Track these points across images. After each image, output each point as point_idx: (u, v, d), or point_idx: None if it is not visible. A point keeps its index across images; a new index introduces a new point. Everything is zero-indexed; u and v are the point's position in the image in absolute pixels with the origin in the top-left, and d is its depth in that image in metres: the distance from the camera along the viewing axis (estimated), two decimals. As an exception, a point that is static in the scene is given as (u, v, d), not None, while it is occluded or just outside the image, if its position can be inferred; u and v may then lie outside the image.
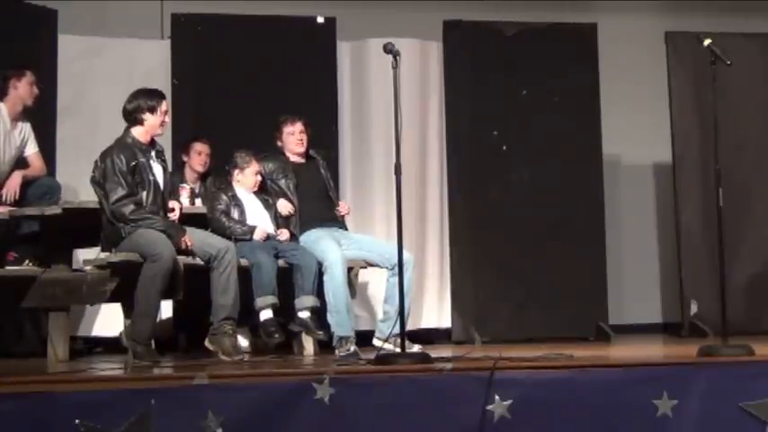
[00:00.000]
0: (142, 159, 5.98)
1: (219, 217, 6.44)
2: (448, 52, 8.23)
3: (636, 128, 8.82)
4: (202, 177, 7.41)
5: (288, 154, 6.74)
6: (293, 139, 6.71)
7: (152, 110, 6.04)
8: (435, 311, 8.12)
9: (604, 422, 4.63)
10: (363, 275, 7.09)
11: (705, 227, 7.93)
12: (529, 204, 8.05)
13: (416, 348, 5.98)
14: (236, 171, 6.62)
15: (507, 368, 4.72)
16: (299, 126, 6.72)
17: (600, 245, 8.18)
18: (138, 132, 6.06)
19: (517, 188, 8.09)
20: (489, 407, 4.56)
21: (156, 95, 6.11)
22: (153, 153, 6.11)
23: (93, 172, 6.00)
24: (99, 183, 5.96)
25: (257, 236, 6.37)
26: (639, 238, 9.02)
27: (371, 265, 6.61)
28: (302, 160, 6.78)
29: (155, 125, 6.08)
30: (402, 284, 5.34)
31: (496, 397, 4.57)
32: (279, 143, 6.74)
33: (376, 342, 6.28)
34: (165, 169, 6.19)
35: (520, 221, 8.03)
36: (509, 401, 4.58)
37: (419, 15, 8.51)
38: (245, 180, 6.62)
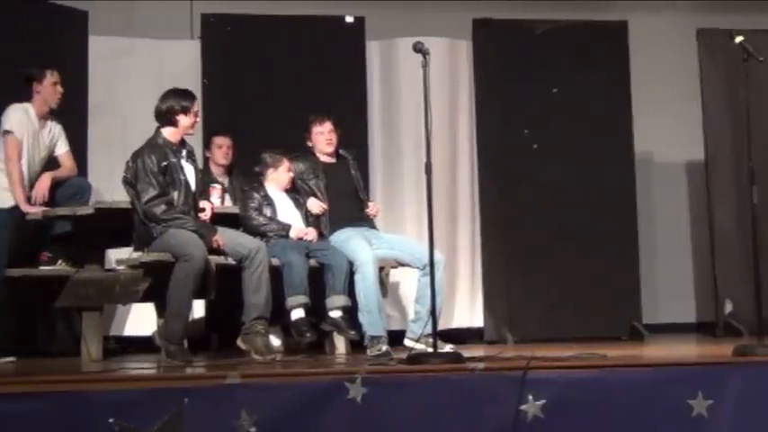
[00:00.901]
0: (173, 159, 6.01)
1: (252, 215, 6.46)
2: (477, 51, 8.22)
3: (668, 126, 8.77)
4: (228, 171, 7.44)
5: (318, 154, 6.74)
6: (322, 138, 6.71)
7: (185, 111, 6.07)
8: (467, 311, 8.10)
9: (639, 422, 4.61)
10: (394, 275, 7.09)
11: (739, 225, 7.86)
12: (560, 203, 8.02)
13: (449, 348, 5.97)
14: (270, 170, 6.63)
15: (540, 368, 4.72)
16: (327, 126, 6.72)
17: (632, 244, 8.15)
18: (170, 133, 6.09)
19: (548, 187, 8.05)
20: (522, 407, 4.56)
21: (189, 96, 6.14)
22: (184, 153, 6.13)
23: (125, 172, 6.04)
24: (131, 183, 5.99)
25: (293, 234, 6.38)
26: (673, 237, 8.96)
27: (402, 265, 6.61)
28: (332, 160, 6.78)
29: (187, 126, 6.11)
30: (433, 284, 5.34)
31: (530, 397, 4.57)
32: (309, 143, 6.75)
33: (407, 342, 6.27)
34: (195, 169, 6.22)
35: (551, 220, 7.99)
36: (542, 401, 4.57)
37: (448, 14, 8.49)
38: (278, 177, 6.63)
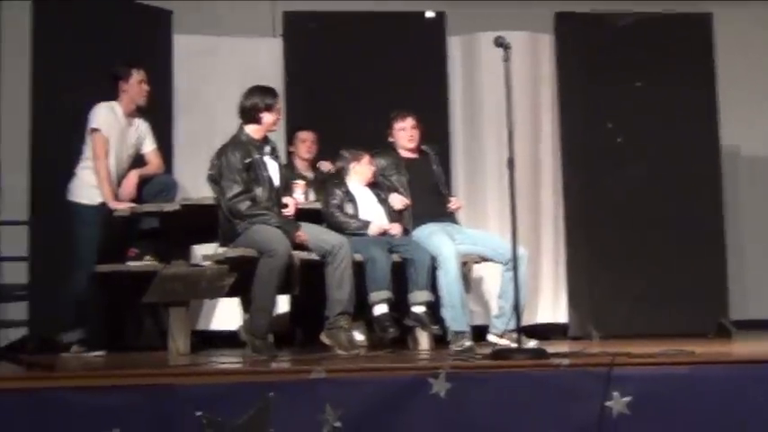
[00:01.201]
0: (257, 156, 6.06)
1: (334, 212, 6.48)
2: (560, 45, 8.16)
3: (755, 119, 8.65)
4: (312, 165, 7.49)
5: (399, 150, 6.75)
6: (404, 134, 6.72)
7: (269, 108, 6.13)
8: (551, 307, 8.05)
9: (728, 420, 4.52)
10: (477, 270, 7.08)
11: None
12: (645, 198, 7.91)
13: (533, 344, 5.95)
14: (353, 164, 6.65)
15: (626, 364, 4.65)
16: (409, 121, 6.73)
17: (719, 239, 8.00)
18: (253, 129, 6.15)
19: (632, 181, 7.94)
20: (608, 403, 4.51)
21: (272, 93, 6.19)
22: (267, 149, 6.18)
23: (210, 169, 6.11)
24: (215, 180, 6.06)
25: (372, 231, 6.40)
26: (762, 231, 8.82)
27: (485, 260, 6.59)
28: (414, 156, 6.78)
29: (270, 123, 6.16)
30: (517, 279, 5.32)
31: (615, 393, 4.51)
32: (390, 139, 6.76)
33: (491, 338, 6.25)
34: (278, 165, 6.27)
35: (636, 215, 7.89)
36: (628, 398, 4.51)
37: (530, 8, 8.44)
38: (362, 170, 6.63)
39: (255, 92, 6.18)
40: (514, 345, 5.22)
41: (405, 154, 6.75)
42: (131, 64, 6.72)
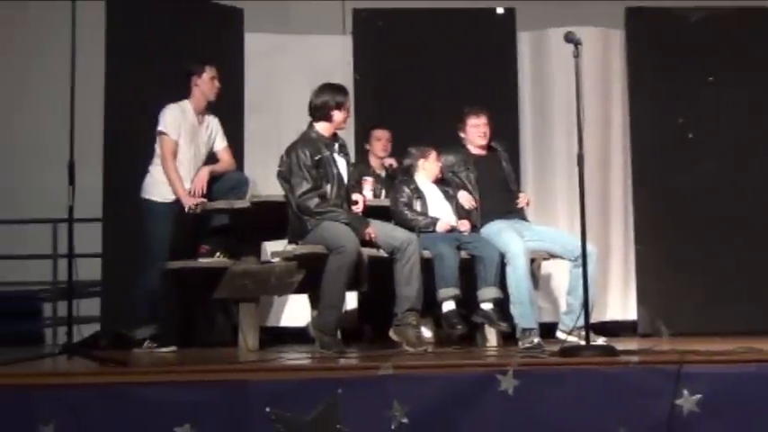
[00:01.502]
0: (326, 153, 6.09)
1: (402, 209, 6.49)
2: (631, 40, 8.10)
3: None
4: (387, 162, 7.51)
5: (469, 146, 6.74)
6: (477, 131, 6.70)
7: (339, 106, 6.15)
8: (620, 304, 8.00)
9: (798, 418, 4.47)
10: (546, 267, 7.05)
11: None
12: (717, 193, 7.82)
13: (601, 341, 5.91)
14: (421, 160, 6.66)
15: (696, 362, 4.60)
16: (483, 119, 6.71)
17: (791, 236, 7.90)
18: (323, 127, 6.17)
19: (704, 178, 7.86)
20: (678, 401, 4.46)
21: (343, 92, 6.21)
22: (336, 146, 6.20)
23: (280, 166, 6.15)
24: (285, 177, 6.10)
25: (440, 227, 6.40)
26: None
27: (554, 257, 6.56)
28: (483, 152, 6.77)
29: (340, 121, 6.19)
30: (586, 276, 5.29)
31: (685, 391, 4.47)
32: (461, 134, 6.75)
33: (560, 334, 6.21)
34: (347, 162, 6.28)
35: (707, 212, 7.81)
36: (698, 396, 4.47)
37: (600, 3, 8.37)
38: (429, 167, 6.65)
39: (326, 90, 6.21)
40: (583, 342, 5.18)
41: (474, 151, 6.74)
42: (204, 61, 6.79)
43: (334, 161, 6.13)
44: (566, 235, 6.61)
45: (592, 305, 5.76)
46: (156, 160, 6.67)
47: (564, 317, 6.32)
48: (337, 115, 6.17)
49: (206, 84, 6.74)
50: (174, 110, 6.67)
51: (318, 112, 6.16)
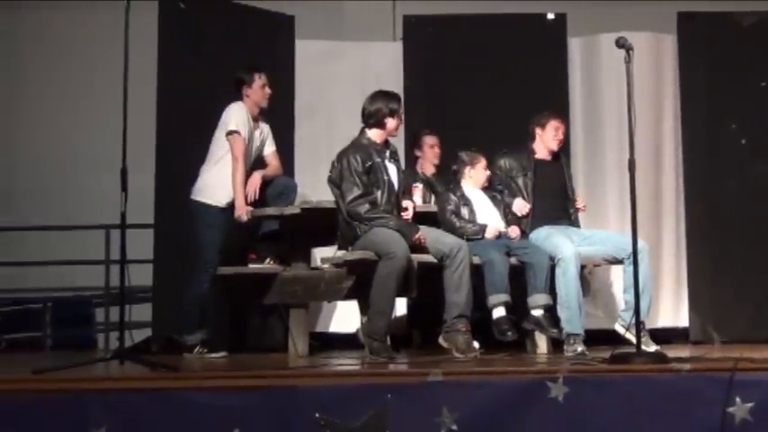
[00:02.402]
0: (377, 159, 6.09)
1: (450, 218, 6.49)
2: (683, 45, 8.01)
3: None
4: (436, 170, 7.49)
5: (539, 148, 6.72)
6: (556, 134, 6.72)
7: (393, 113, 6.16)
8: (672, 310, 7.91)
9: None
10: (598, 274, 7.00)
11: None
12: (768, 199, 7.75)
13: (653, 348, 5.87)
14: (468, 168, 6.66)
15: (749, 369, 4.56)
16: (563, 124, 6.78)
17: None
18: (375, 134, 6.18)
19: (757, 183, 7.76)
20: (730, 409, 4.42)
21: (396, 99, 6.22)
22: (387, 153, 6.21)
23: (330, 172, 6.16)
24: (335, 183, 6.10)
25: (489, 234, 6.38)
26: None
27: (607, 263, 6.52)
28: (549, 158, 6.76)
29: (392, 128, 6.20)
30: (637, 274, 5.25)
31: (737, 399, 4.43)
32: (539, 132, 6.74)
33: (618, 328, 6.14)
34: (398, 169, 6.28)
35: (760, 218, 7.71)
36: (750, 404, 4.42)
37: (652, 8, 8.33)
38: (476, 176, 6.65)
39: (380, 97, 6.21)
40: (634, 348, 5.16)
41: (540, 155, 6.72)
42: (253, 68, 6.79)
43: (386, 168, 6.13)
44: (616, 235, 6.63)
45: (648, 305, 5.75)
46: (210, 163, 6.66)
47: (623, 313, 6.27)
48: (390, 122, 6.18)
49: (257, 92, 6.75)
50: (242, 109, 6.66)
51: (371, 118, 6.17)
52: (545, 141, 6.72)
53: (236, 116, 6.62)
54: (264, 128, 6.88)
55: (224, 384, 4.53)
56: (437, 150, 7.48)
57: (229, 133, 6.59)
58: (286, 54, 7.89)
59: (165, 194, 7.09)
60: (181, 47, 7.31)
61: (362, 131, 6.21)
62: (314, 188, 7.40)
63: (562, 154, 6.88)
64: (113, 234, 8.26)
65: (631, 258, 5.84)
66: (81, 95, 8.60)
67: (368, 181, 6.03)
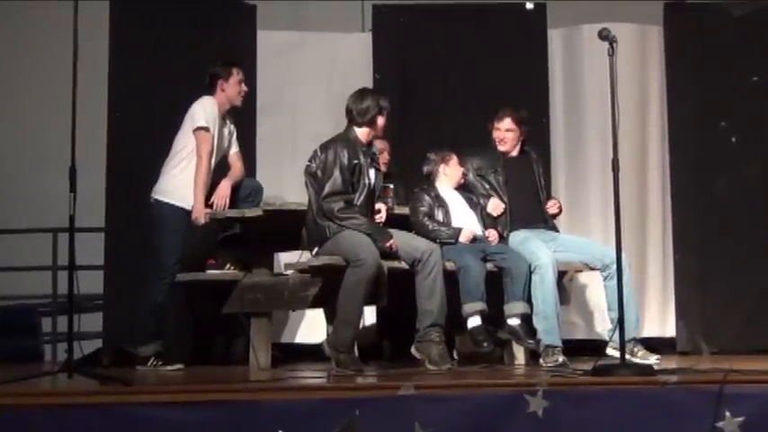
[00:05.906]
0: (362, 161, 6.05)
1: (423, 220, 6.44)
2: (669, 37, 8.07)
3: None
4: (384, 177, 7.42)
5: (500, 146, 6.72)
6: (496, 135, 6.69)
7: (383, 111, 6.13)
8: (657, 319, 7.97)
9: None
10: (579, 281, 7.02)
11: None
12: (761, 202, 7.78)
13: (655, 359, 5.97)
14: (441, 166, 6.63)
15: (739, 382, 4.59)
16: (504, 123, 6.69)
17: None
18: (363, 132, 6.14)
19: (747, 184, 7.83)
20: (719, 424, 4.45)
21: (386, 96, 6.21)
22: (370, 156, 6.17)
23: (310, 161, 6.07)
24: (314, 174, 6.03)
25: (463, 238, 6.37)
26: None
27: (587, 268, 6.53)
28: (515, 154, 6.75)
29: (381, 127, 6.18)
30: (621, 287, 5.27)
31: (727, 413, 4.46)
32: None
33: (610, 351, 6.15)
34: (377, 171, 6.24)
35: (750, 221, 7.76)
36: (741, 418, 4.45)
37: (637, -2, 8.36)
38: (451, 173, 6.62)
39: (369, 94, 6.20)
40: (635, 358, 5.19)
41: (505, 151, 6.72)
42: (231, 63, 6.73)
43: (367, 171, 6.10)
44: (596, 244, 6.62)
45: (636, 318, 5.76)
46: (175, 160, 6.58)
47: (610, 333, 6.25)
48: (380, 121, 6.15)
49: (233, 87, 6.68)
50: (213, 104, 6.58)
51: (362, 116, 6.11)
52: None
53: (206, 111, 6.54)
54: (231, 127, 6.82)
55: (179, 399, 4.49)
56: (386, 156, 7.29)
57: (197, 129, 6.51)
58: (247, 45, 7.84)
59: (117, 195, 7.05)
60: (133, 38, 7.29)
61: (350, 128, 6.15)
62: (278, 189, 7.38)
63: (530, 149, 6.85)
64: (61, 238, 8.19)
65: (607, 270, 5.89)
66: (28, 92, 8.52)
67: (349, 179, 5.99)
